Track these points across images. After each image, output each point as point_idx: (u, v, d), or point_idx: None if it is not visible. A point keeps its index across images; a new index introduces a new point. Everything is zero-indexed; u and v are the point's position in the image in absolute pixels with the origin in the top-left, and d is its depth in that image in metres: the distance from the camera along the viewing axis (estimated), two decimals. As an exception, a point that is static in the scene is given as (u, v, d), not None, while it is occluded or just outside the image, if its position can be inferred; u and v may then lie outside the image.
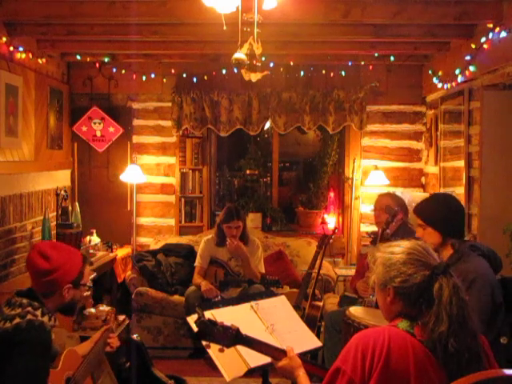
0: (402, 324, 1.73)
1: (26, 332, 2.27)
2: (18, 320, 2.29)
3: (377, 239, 3.76)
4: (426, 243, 1.88)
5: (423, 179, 5.76)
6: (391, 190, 5.53)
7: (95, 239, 5.26)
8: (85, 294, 2.72)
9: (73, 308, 2.62)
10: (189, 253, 5.27)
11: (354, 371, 1.66)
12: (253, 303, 2.53)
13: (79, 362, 2.54)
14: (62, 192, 5.04)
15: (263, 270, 4.78)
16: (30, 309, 2.35)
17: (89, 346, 2.66)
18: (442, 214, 2.82)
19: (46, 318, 2.39)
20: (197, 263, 4.81)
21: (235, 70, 3.23)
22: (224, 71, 5.57)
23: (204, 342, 2.01)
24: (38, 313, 2.37)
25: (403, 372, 1.63)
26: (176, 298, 4.88)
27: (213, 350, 2.12)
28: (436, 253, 2.72)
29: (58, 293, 2.49)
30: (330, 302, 4.61)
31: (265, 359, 2.16)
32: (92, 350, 2.62)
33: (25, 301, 2.39)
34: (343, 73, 5.58)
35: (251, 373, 2.26)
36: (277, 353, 2.04)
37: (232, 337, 1.95)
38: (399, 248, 1.80)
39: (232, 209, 4.74)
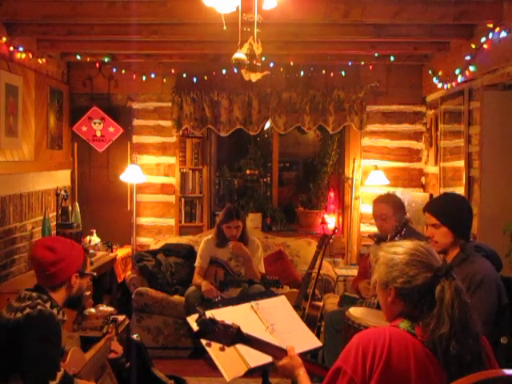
0: (403, 324, 1.73)
1: (37, 320, 2.34)
2: (28, 310, 2.36)
3: (381, 241, 3.70)
4: (428, 244, 1.87)
5: (423, 179, 5.76)
6: (391, 189, 5.52)
7: (95, 239, 5.26)
8: (87, 293, 2.76)
9: (79, 300, 2.69)
10: (189, 253, 5.27)
11: (354, 371, 1.65)
12: (253, 303, 2.53)
13: (84, 362, 2.58)
14: (62, 192, 5.04)
15: (263, 270, 4.78)
16: (39, 301, 2.42)
17: (92, 353, 2.69)
18: (458, 214, 2.80)
19: (55, 311, 2.45)
20: (197, 263, 4.81)
21: (235, 70, 3.23)
22: (224, 71, 5.57)
23: (204, 341, 2.01)
24: (47, 305, 2.44)
25: (404, 372, 1.63)
26: (176, 297, 4.88)
27: (213, 350, 2.11)
28: (444, 254, 2.74)
29: (67, 283, 2.56)
30: (330, 302, 4.61)
31: (265, 359, 2.16)
32: (95, 355, 2.66)
33: (34, 294, 2.46)
34: (343, 73, 5.58)
35: (251, 373, 2.26)
36: (277, 352, 2.04)
37: (233, 335, 1.95)
38: (402, 248, 1.80)
39: (232, 209, 4.74)
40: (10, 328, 2.34)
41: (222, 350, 1.99)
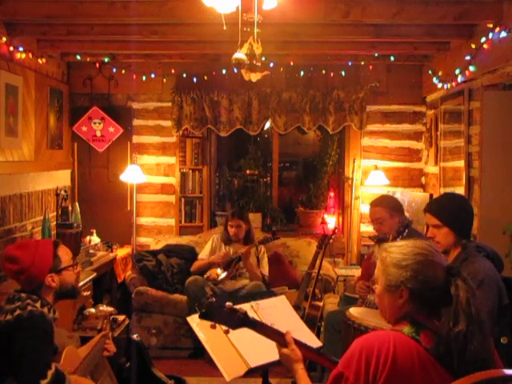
0: (407, 329, 1.67)
1: (28, 321, 2.34)
2: (18, 312, 2.36)
3: (381, 241, 3.67)
4: (432, 243, 1.86)
5: (423, 179, 5.76)
6: (391, 189, 5.54)
7: (95, 239, 5.26)
8: (76, 272, 2.70)
9: (71, 292, 2.65)
10: (191, 254, 5.27)
11: (357, 378, 1.60)
12: (253, 303, 2.54)
13: (79, 361, 2.56)
14: (62, 192, 5.04)
15: (267, 273, 4.89)
16: (29, 301, 2.41)
17: (87, 350, 2.68)
18: (459, 214, 2.79)
19: (45, 309, 2.44)
20: (201, 255, 4.93)
21: (235, 70, 3.23)
22: (224, 71, 5.57)
23: (209, 323, 2.00)
24: (38, 304, 2.43)
25: (408, 380, 1.58)
26: (176, 296, 4.88)
27: (213, 350, 2.12)
28: (446, 254, 2.73)
29: (44, 285, 2.53)
30: (330, 302, 4.61)
31: (265, 359, 2.16)
32: (90, 352, 2.64)
33: (23, 295, 2.45)
34: (343, 73, 5.58)
35: (251, 373, 2.26)
36: (281, 339, 2.02)
37: (239, 319, 1.95)
38: (410, 249, 1.76)
39: (235, 207, 4.80)
40: (2, 331, 2.33)
41: (227, 332, 1.99)
